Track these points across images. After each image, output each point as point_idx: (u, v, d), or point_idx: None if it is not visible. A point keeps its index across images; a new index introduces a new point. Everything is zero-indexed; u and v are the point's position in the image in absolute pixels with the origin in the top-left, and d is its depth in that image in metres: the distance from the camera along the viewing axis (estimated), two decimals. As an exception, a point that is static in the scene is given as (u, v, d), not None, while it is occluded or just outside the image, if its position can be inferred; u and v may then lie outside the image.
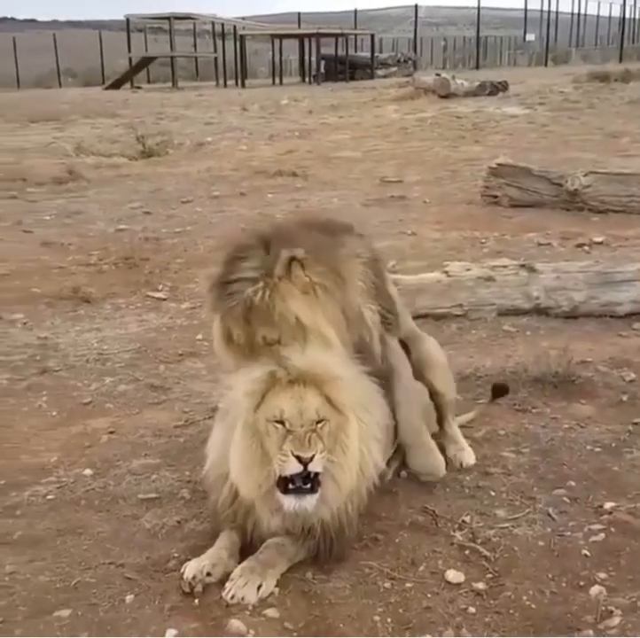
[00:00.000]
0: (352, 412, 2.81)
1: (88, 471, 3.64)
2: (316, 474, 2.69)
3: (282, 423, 2.71)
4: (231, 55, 39.29)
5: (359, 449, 2.85)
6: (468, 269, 5.65)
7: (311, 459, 2.65)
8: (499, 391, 4.13)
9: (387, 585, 2.80)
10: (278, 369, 2.77)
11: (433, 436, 3.74)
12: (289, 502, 2.71)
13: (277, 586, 2.76)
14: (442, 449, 3.63)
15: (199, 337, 5.33)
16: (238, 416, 2.82)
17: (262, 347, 2.92)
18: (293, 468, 2.66)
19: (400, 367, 3.33)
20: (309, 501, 2.71)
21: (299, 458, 2.65)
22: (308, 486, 2.69)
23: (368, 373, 3.03)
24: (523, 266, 5.68)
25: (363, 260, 3.14)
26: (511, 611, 2.65)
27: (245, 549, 2.89)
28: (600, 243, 7.34)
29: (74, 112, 22.43)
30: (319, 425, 2.71)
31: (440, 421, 3.70)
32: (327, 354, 2.87)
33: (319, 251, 2.98)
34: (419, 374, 3.59)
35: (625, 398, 4.24)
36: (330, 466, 2.75)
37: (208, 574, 2.78)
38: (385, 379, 3.18)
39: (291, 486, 2.69)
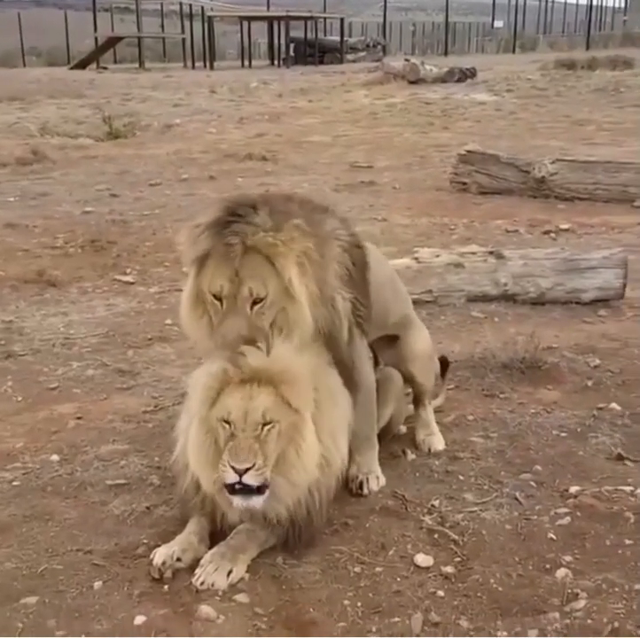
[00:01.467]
0: (309, 412, 2.78)
1: (54, 457, 3.61)
2: None
3: (229, 423, 2.70)
4: (200, 36, 38.91)
5: (326, 443, 2.84)
6: (437, 256, 5.67)
7: (246, 471, 2.64)
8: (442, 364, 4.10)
9: (357, 569, 2.81)
10: (231, 367, 2.74)
11: (407, 419, 3.77)
12: (237, 501, 2.71)
13: (247, 571, 2.76)
14: (413, 433, 3.68)
15: (168, 321, 5.29)
16: (194, 411, 2.82)
17: (244, 303, 2.78)
18: (230, 478, 2.66)
19: (361, 370, 3.19)
20: (256, 501, 2.70)
21: (234, 469, 2.65)
22: (254, 487, 2.67)
23: (334, 363, 3.01)
24: (491, 253, 5.72)
25: (342, 244, 3.04)
26: (478, 594, 2.68)
27: (216, 535, 2.89)
28: (566, 230, 7.43)
29: (39, 91, 22.07)
30: (266, 428, 2.68)
31: (416, 405, 3.72)
32: (292, 348, 2.81)
33: (308, 225, 2.88)
34: (402, 362, 3.58)
35: (590, 383, 4.30)
36: (282, 466, 2.73)
37: (178, 559, 2.77)
38: (348, 379, 3.10)
39: (237, 486, 2.68)
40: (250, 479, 2.64)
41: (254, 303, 2.79)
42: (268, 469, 2.68)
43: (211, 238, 2.81)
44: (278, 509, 2.79)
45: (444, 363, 4.07)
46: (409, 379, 3.64)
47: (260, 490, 2.68)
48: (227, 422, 2.70)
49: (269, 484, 2.70)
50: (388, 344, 3.60)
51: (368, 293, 3.17)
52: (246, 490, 2.66)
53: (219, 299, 2.82)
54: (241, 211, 2.83)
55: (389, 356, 3.63)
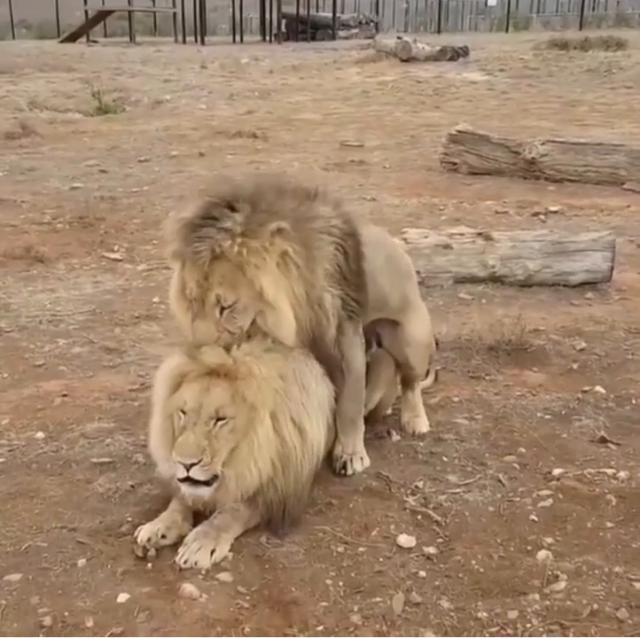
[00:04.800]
0: (266, 408, 2.80)
1: (40, 435, 3.61)
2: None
3: (184, 413, 2.75)
4: (191, 11, 38.46)
5: (289, 432, 2.86)
6: (426, 236, 5.67)
7: (192, 466, 2.68)
8: None
9: (340, 549, 2.83)
10: (189, 362, 2.79)
11: (396, 400, 3.78)
12: (185, 489, 2.76)
13: (230, 550, 2.78)
14: (398, 414, 3.71)
15: (156, 299, 5.28)
16: (155, 399, 2.89)
17: (212, 308, 2.79)
18: (180, 472, 2.71)
19: (351, 359, 3.19)
20: (204, 491, 2.75)
21: (182, 464, 2.69)
22: (202, 479, 2.71)
23: (317, 357, 3.02)
24: (480, 234, 5.72)
25: (335, 239, 2.98)
26: (460, 575, 2.71)
27: (199, 513, 2.90)
28: (556, 212, 7.41)
29: (28, 65, 21.82)
30: (219, 424, 2.72)
31: (404, 387, 3.71)
32: (257, 344, 2.84)
33: (297, 223, 2.85)
34: (398, 345, 3.55)
35: (575, 366, 4.32)
36: (234, 460, 2.76)
37: (163, 537, 2.79)
38: (334, 366, 3.11)
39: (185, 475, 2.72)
40: (197, 474, 2.70)
41: (224, 308, 2.80)
42: (216, 464, 2.71)
43: (180, 243, 2.81)
44: (226, 500, 2.82)
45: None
46: (402, 363, 3.61)
47: (208, 483, 2.73)
48: (183, 412, 2.75)
49: (219, 476, 2.73)
50: (388, 325, 3.56)
51: (363, 284, 3.13)
52: (193, 481, 2.71)
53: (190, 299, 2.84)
54: (216, 212, 2.78)
55: (386, 338, 3.59)
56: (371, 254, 3.20)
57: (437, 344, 4.12)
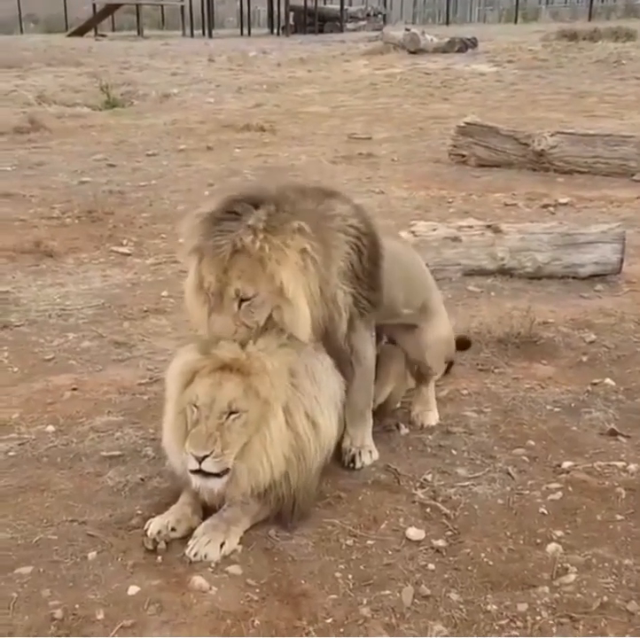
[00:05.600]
0: (279, 403, 2.80)
1: (50, 428, 3.62)
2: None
3: (197, 407, 2.76)
4: (198, 4, 38.41)
5: (302, 426, 2.86)
6: (434, 229, 5.65)
7: (204, 458, 2.69)
8: (462, 344, 4.14)
9: (349, 542, 2.83)
10: (201, 358, 2.80)
11: (407, 393, 3.78)
12: (196, 481, 2.76)
13: (239, 543, 2.79)
14: (407, 407, 3.72)
15: (165, 293, 5.29)
16: (168, 394, 2.90)
17: (230, 302, 2.81)
18: (191, 464, 2.72)
19: (361, 353, 3.21)
20: (215, 483, 2.76)
21: (193, 455, 2.70)
22: (214, 471, 2.72)
23: (328, 350, 3.03)
24: (489, 226, 5.70)
25: (351, 238, 3.01)
26: (469, 568, 2.71)
27: (208, 506, 2.91)
28: (565, 204, 7.39)
29: (37, 59, 21.82)
30: (231, 417, 2.73)
31: (419, 382, 3.70)
32: (271, 339, 2.85)
33: (316, 222, 2.87)
34: (415, 349, 3.56)
35: (585, 359, 4.31)
36: (246, 454, 2.77)
37: (173, 529, 2.81)
38: (344, 359, 3.12)
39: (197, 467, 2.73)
40: (208, 466, 2.70)
41: (242, 301, 2.81)
42: (228, 456, 2.72)
43: (201, 236, 2.83)
44: (236, 493, 2.83)
45: (465, 343, 4.10)
46: (419, 362, 3.61)
47: (219, 475, 2.73)
48: (195, 406, 2.75)
49: (231, 469, 2.74)
50: (404, 330, 3.57)
51: (377, 285, 3.14)
52: (206, 473, 2.72)
53: (209, 294, 2.85)
54: (239, 208, 2.82)
55: (402, 338, 3.60)
56: (389, 267, 3.21)
57: (468, 345, 4.16)
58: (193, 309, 2.99)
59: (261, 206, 2.83)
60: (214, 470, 2.71)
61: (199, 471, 2.72)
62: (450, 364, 4.08)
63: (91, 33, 35.17)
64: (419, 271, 3.66)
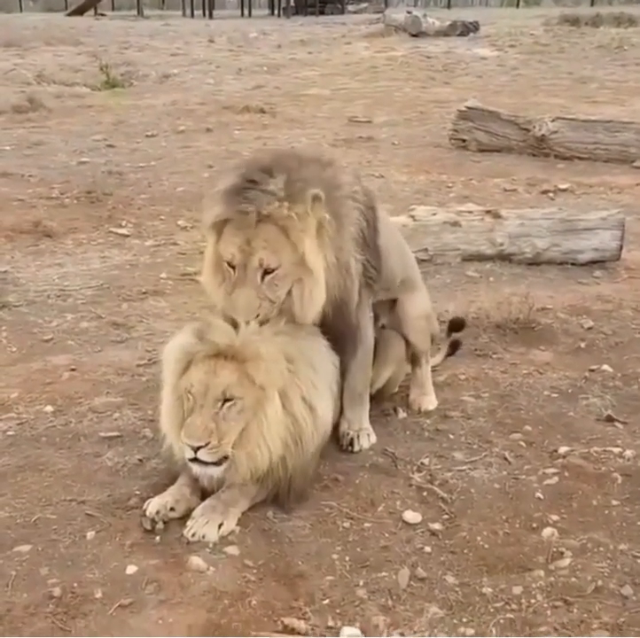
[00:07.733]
0: (275, 389, 2.80)
1: (49, 408, 3.63)
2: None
3: (192, 395, 2.76)
4: (199, -16, 38.16)
5: (299, 411, 2.87)
6: (434, 214, 5.64)
7: (200, 448, 2.70)
8: (456, 325, 4.15)
9: (346, 524, 2.85)
10: (198, 343, 2.79)
11: (406, 377, 3.79)
12: (195, 469, 2.78)
13: (237, 524, 2.81)
14: (405, 391, 3.72)
15: (163, 275, 5.29)
16: (165, 380, 2.90)
17: (254, 273, 2.79)
18: (188, 453, 2.73)
19: (364, 330, 3.23)
20: (214, 471, 2.78)
21: (190, 446, 2.71)
22: (210, 460, 2.73)
23: (337, 326, 3.04)
24: (488, 212, 5.69)
25: (359, 205, 3.02)
26: (465, 551, 2.73)
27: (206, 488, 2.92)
28: (565, 190, 7.38)
29: (36, 38, 21.70)
30: (226, 405, 2.73)
31: (413, 364, 3.72)
32: (270, 326, 2.85)
33: (326, 190, 2.86)
34: (398, 324, 3.58)
35: (583, 345, 4.32)
36: (244, 440, 2.77)
37: (172, 509, 2.82)
38: (348, 337, 3.14)
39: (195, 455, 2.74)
40: (204, 456, 2.71)
41: (266, 273, 2.79)
42: (225, 446, 2.73)
43: (226, 205, 2.80)
44: (235, 479, 2.84)
45: (459, 324, 4.10)
46: (404, 340, 3.63)
47: (217, 463, 2.74)
48: (190, 394, 2.76)
49: (229, 455, 2.75)
50: (388, 306, 3.59)
51: (379, 254, 3.18)
52: (203, 461, 2.73)
53: (232, 266, 2.83)
54: (257, 177, 2.80)
55: (388, 318, 3.62)
56: (384, 230, 3.25)
57: (462, 325, 4.15)
58: (210, 289, 2.97)
59: (275, 174, 2.82)
60: (210, 459, 2.72)
61: (195, 460, 2.73)
62: (456, 345, 4.10)
63: (91, 12, 34.95)
64: (405, 242, 3.71)
